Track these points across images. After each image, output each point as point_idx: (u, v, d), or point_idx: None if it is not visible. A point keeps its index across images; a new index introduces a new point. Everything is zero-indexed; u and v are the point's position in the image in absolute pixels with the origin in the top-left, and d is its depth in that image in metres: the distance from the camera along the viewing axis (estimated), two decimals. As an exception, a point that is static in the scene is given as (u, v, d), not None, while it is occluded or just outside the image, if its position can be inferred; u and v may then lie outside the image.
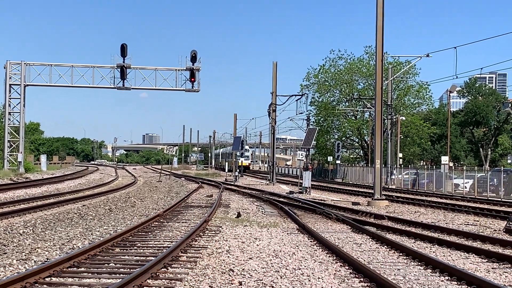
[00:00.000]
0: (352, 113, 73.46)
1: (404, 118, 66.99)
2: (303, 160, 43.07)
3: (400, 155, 64.36)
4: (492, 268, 11.91)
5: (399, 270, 11.48)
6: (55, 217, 19.47)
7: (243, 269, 10.97)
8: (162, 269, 10.72)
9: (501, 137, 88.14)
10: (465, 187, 40.87)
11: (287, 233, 16.94)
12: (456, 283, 10.25)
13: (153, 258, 11.44)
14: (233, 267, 11.17)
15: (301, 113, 54.99)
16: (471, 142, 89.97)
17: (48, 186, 37.77)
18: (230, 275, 10.40)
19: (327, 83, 73.40)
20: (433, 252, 13.97)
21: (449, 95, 66.01)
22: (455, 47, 32.01)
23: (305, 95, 56.35)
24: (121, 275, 10.11)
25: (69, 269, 10.58)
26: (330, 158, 72.02)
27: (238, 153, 61.67)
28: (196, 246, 13.72)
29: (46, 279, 9.67)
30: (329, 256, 12.82)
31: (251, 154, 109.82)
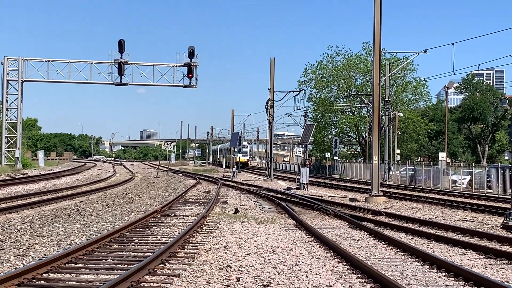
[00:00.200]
0: (349, 109, 73.45)
1: (401, 114, 67.01)
2: (300, 156, 43.08)
3: (398, 151, 64.37)
4: (490, 264, 11.93)
5: (396, 266, 11.50)
6: (52, 213, 19.46)
7: (240, 265, 10.97)
8: (160, 265, 10.72)
9: (499, 133, 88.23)
10: (463, 183, 40.93)
11: (285, 229, 16.95)
12: (453, 279, 10.26)
13: (150, 254, 11.44)
14: (231, 263, 11.17)
15: (299, 109, 54.88)
16: (469, 138, 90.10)
17: (45, 182, 37.73)
18: (228, 271, 10.41)
19: (325, 79, 73.40)
20: (431, 248, 13.99)
21: (447, 91, 66.07)
22: (452, 44, 32.08)
23: (303, 91, 56.17)
24: (119, 271, 10.11)
25: (66, 265, 10.57)
26: (327, 154, 72.05)
27: (235, 149, 61.65)
28: (193, 242, 13.73)
29: (44, 275, 9.66)
30: (326, 252, 12.83)
31: (250, 150, 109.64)
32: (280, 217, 20.76)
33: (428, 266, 11.39)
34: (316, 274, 10.37)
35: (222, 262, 11.29)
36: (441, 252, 13.42)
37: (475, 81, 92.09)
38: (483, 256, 12.82)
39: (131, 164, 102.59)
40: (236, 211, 21.45)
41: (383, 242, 14.56)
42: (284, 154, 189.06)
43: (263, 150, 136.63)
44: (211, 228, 16.45)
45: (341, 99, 73.63)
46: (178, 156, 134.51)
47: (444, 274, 10.66)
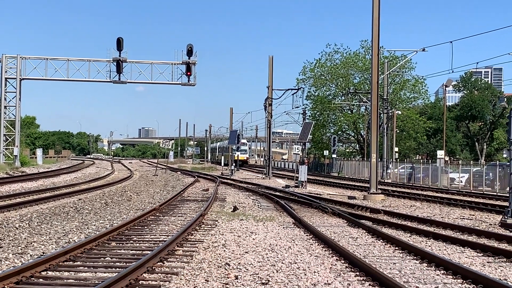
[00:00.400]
0: (348, 107, 73.47)
1: (400, 112, 67.01)
2: (299, 154, 43.10)
3: (396, 149, 64.37)
4: (488, 262, 11.95)
5: (394, 264, 11.51)
6: (51, 211, 19.46)
7: (239, 263, 10.98)
8: (158, 263, 10.73)
9: (497, 131, 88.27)
10: (461, 181, 40.94)
11: (283, 227, 16.96)
12: (451, 277, 10.28)
13: (149, 252, 11.44)
14: (229, 261, 11.18)
15: (297, 107, 54.86)
16: (467, 136, 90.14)
17: (44, 180, 37.72)
18: (226, 269, 10.41)
19: (323, 77, 73.39)
20: (429, 246, 14.00)
21: (445, 89, 66.09)
22: (451, 42, 31.92)
23: (301, 89, 56.16)
24: (117, 269, 10.11)
25: (65, 263, 10.57)
26: (326, 152, 72.03)
27: (234, 147, 61.63)
28: (192, 240, 13.73)
29: (42, 273, 9.66)
30: (325, 250, 12.84)
31: (249, 148, 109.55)
32: (279, 215, 20.76)
33: (426, 264, 11.41)
34: (315, 272, 10.38)
35: (220, 260, 11.30)
36: (440, 250, 13.44)
37: (473, 79, 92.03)
38: (481, 254, 12.83)
39: (129, 162, 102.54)
40: (235, 209, 21.45)
41: (381, 240, 14.57)
42: (282, 152, 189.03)
43: (262, 148, 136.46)
44: (209, 226, 16.45)
45: (339, 97, 73.61)
46: (176, 154, 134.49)
47: (442, 272, 10.67)
